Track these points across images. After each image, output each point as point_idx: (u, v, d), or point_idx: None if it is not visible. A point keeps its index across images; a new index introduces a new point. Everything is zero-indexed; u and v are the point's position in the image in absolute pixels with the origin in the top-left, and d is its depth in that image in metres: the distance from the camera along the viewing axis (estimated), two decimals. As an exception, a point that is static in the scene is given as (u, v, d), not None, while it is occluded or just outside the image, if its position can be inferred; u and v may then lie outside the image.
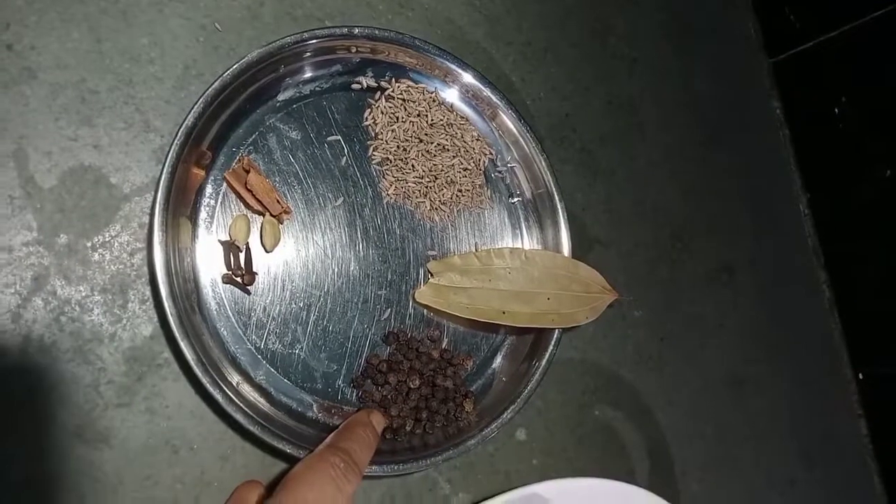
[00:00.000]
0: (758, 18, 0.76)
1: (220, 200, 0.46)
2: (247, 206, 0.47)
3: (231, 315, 0.45)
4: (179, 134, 0.43)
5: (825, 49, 0.71)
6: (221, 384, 0.42)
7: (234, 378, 0.44)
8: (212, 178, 0.46)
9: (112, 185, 0.45)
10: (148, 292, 0.45)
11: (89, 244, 0.44)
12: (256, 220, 0.47)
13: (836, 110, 0.70)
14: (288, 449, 0.42)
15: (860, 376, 0.72)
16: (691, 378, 0.64)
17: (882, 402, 0.71)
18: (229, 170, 0.46)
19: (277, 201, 0.46)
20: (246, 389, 0.44)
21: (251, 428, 0.42)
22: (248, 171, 0.46)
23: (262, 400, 0.44)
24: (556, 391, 0.57)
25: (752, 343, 0.68)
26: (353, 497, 0.40)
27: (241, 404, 0.42)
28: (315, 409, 0.47)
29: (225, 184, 0.46)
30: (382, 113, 0.52)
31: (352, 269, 0.50)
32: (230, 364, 0.44)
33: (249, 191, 0.46)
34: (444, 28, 0.58)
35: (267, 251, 0.47)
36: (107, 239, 0.44)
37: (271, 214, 0.47)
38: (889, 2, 0.64)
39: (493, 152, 0.56)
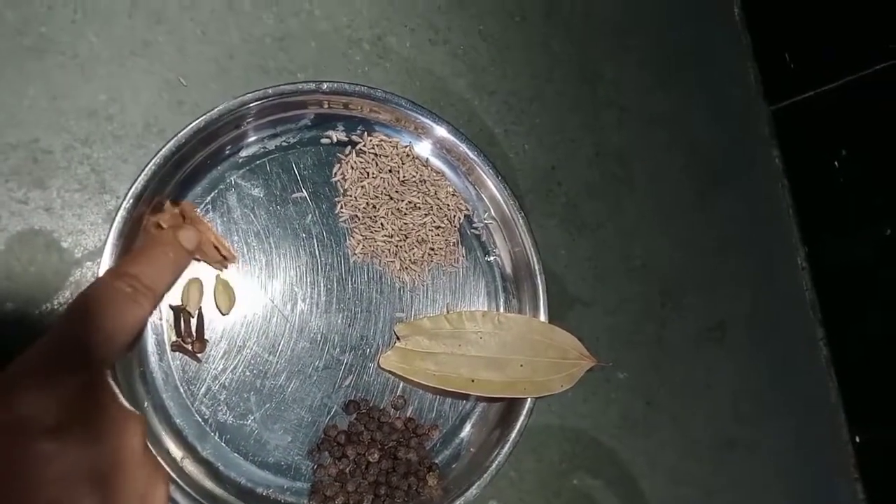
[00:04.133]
0: (758, 65, 0.73)
1: (173, 264, 0.45)
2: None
3: (179, 384, 0.43)
4: (128, 197, 0.41)
5: (826, 99, 0.68)
6: (162, 462, 0.40)
7: (178, 454, 0.42)
8: (166, 240, 0.45)
9: (63, 250, 0.43)
10: (96, 359, 0.43)
11: (38, 312, 0.42)
12: (210, 284, 0.45)
13: (836, 163, 0.67)
14: (230, 532, 0.41)
15: (857, 439, 0.69)
16: (678, 442, 0.61)
17: (880, 465, 0.68)
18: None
19: (215, 247, 0.43)
20: (190, 466, 0.42)
21: (191, 510, 0.40)
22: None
23: (206, 478, 0.42)
24: (531, 459, 0.55)
25: (744, 403, 0.65)
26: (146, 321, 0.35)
27: (183, 483, 0.40)
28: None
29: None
30: (352, 168, 0.51)
31: (313, 332, 0.48)
32: (174, 438, 0.42)
33: None
34: (423, 79, 0.56)
35: (223, 313, 0.45)
36: (55, 306, 0.43)
37: (209, 264, 0.44)
38: (892, 55, 0.61)
39: (469, 208, 0.54)
